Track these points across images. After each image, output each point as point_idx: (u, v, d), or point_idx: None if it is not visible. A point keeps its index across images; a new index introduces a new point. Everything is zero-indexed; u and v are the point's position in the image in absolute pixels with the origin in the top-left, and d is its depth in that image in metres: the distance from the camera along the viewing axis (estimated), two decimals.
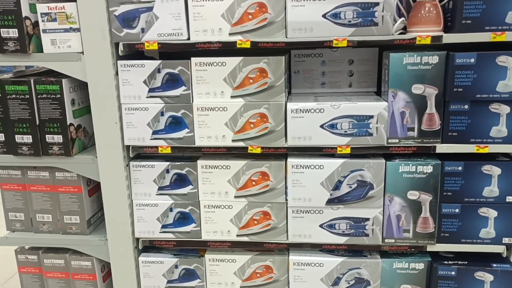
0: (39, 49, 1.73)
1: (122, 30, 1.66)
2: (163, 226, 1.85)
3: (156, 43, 1.65)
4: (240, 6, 1.60)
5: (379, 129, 1.66)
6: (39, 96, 1.74)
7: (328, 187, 1.73)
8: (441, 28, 1.59)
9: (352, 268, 1.79)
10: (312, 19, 1.59)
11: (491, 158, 1.71)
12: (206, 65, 1.68)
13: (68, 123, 1.77)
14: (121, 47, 1.68)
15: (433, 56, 1.59)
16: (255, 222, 1.81)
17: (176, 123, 1.74)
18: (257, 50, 1.66)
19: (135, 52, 1.75)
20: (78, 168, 1.82)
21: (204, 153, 1.83)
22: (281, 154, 1.78)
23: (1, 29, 1.68)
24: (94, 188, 1.94)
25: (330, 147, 1.69)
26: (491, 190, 1.69)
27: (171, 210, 1.83)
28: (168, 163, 1.80)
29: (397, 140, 1.67)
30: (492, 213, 1.70)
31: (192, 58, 1.68)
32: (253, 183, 1.77)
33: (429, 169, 1.68)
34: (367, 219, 1.75)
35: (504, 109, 1.61)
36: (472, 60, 1.57)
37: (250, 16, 1.61)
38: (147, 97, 1.73)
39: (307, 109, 1.67)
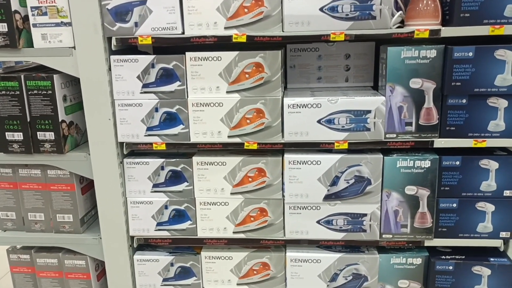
0: (30, 44, 1.69)
1: (115, 24, 1.62)
2: (158, 224, 1.83)
3: (149, 37, 1.62)
4: None
5: (376, 124, 1.65)
6: (29, 92, 1.70)
7: (325, 183, 1.71)
8: (439, 21, 1.58)
9: (349, 264, 1.79)
10: (309, 13, 1.56)
11: (489, 152, 1.71)
12: (201, 60, 1.65)
13: (60, 120, 1.73)
14: (114, 42, 1.64)
15: (431, 50, 1.57)
16: (252, 219, 1.79)
17: (170, 119, 1.71)
18: (252, 44, 1.64)
19: (128, 46, 1.72)
20: (70, 165, 1.79)
21: (199, 150, 1.81)
22: (278, 150, 1.76)
23: None
24: (87, 185, 1.91)
25: (327, 143, 1.68)
26: (489, 185, 1.68)
27: (166, 207, 1.81)
28: (162, 160, 1.77)
29: (394, 135, 1.66)
30: (489, 208, 1.70)
31: (186, 53, 1.65)
32: (250, 179, 1.75)
33: (426, 164, 1.67)
34: (365, 215, 1.74)
35: (502, 103, 1.61)
36: (470, 54, 1.56)
37: (246, 10, 1.58)
38: (141, 92, 1.70)
39: (304, 104, 1.65)
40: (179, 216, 1.82)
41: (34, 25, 1.66)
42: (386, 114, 1.64)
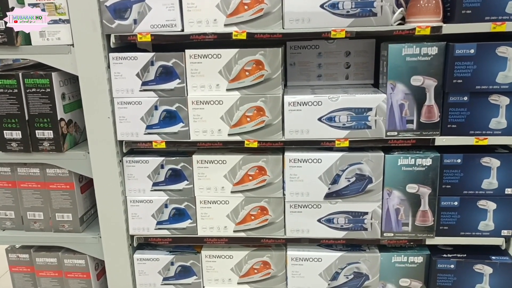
0: (27, 41, 1.67)
1: (114, 21, 1.61)
2: (158, 223, 1.82)
3: (149, 34, 1.60)
4: None
5: (377, 121, 1.64)
6: (28, 90, 1.69)
7: (326, 181, 1.70)
8: (440, 18, 1.57)
9: (350, 262, 1.78)
10: (309, 10, 1.55)
11: (490, 150, 1.70)
12: (201, 57, 1.64)
13: (58, 118, 1.72)
14: (112, 39, 1.63)
15: (432, 47, 1.56)
16: (252, 217, 1.78)
17: (170, 117, 1.70)
18: (252, 41, 1.62)
19: (127, 44, 1.70)
20: (69, 164, 1.78)
21: (199, 148, 1.80)
22: (278, 148, 1.75)
23: None
24: (87, 184, 1.89)
25: (328, 141, 1.67)
26: (490, 183, 1.68)
27: (166, 206, 1.80)
28: (162, 158, 1.76)
29: (396, 133, 1.65)
30: (491, 206, 1.69)
31: (186, 50, 1.64)
32: (250, 178, 1.74)
33: (428, 161, 1.66)
34: (366, 213, 1.73)
35: (503, 101, 1.60)
36: (472, 51, 1.55)
37: (246, 7, 1.57)
38: (140, 90, 1.68)
39: (304, 102, 1.63)
40: (179, 214, 1.81)
41: None
42: (387, 111, 1.63)
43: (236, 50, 1.62)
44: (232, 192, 1.76)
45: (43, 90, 1.68)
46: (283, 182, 1.74)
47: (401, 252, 1.77)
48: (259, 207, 1.77)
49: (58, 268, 1.92)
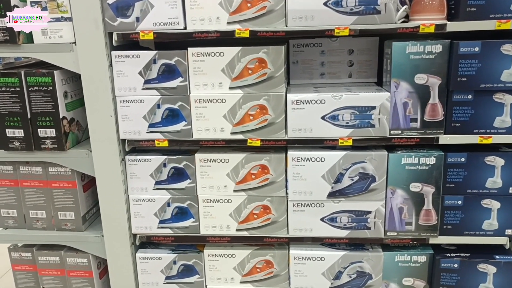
0: (30, 39, 1.67)
1: (116, 19, 1.60)
2: (161, 222, 1.81)
3: (151, 32, 1.60)
4: None
5: (381, 120, 1.63)
6: (30, 89, 1.68)
7: (329, 180, 1.69)
8: (444, 16, 1.56)
9: (353, 261, 1.77)
10: (313, 7, 1.54)
11: (494, 149, 1.69)
12: (204, 56, 1.63)
13: (61, 117, 1.71)
14: (115, 37, 1.62)
15: (436, 45, 1.55)
16: (255, 216, 1.77)
17: (173, 116, 1.69)
18: (255, 39, 1.61)
19: (129, 42, 1.70)
20: (72, 162, 1.77)
21: (202, 146, 1.79)
22: (281, 146, 1.75)
23: None
24: (89, 183, 1.89)
25: (331, 139, 1.66)
26: (494, 182, 1.67)
27: (168, 205, 1.79)
28: (165, 156, 1.76)
29: (399, 132, 1.64)
30: (495, 205, 1.68)
31: (189, 48, 1.63)
32: (253, 176, 1.73)
33: (431, 160, 1.65)
34: (369, 212, 1.72)
35: (508, 99, 1.59)
36: (477, 49, 1.53)
37: (248, 4, 1.56)
38: (142, 89, 1.68)
39: (307, 100, 1.63)
40: (182, 213, 1.80)
41: None
42: (391, 110, 1.62)
43: (239, 48, 1.61)
44: (234, 191, 1.75)
45: (45, 89, 1.68)
46: (286, 181, 1.73)
47: (404, 251, 1.77)
48: (262, 206, 1.76)
49: (61, 267, 1.92)
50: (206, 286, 1.89)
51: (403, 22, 1.59)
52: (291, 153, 1.69)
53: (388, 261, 1.77)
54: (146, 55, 1.64)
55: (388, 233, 1.74)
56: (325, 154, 1.68)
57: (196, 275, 1.87)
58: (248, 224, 1.78)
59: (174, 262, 1.85)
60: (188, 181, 1.77)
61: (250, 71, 1.63)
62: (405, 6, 1.58)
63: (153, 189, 1.79)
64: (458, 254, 1.74)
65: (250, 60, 1.61)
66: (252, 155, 1.72)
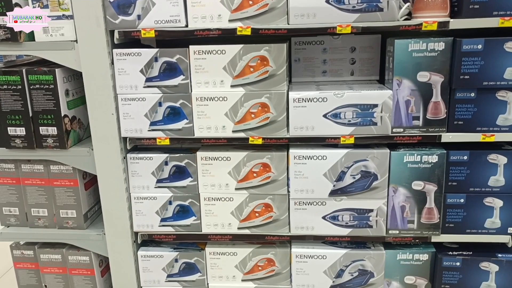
0: (31, 37, 1.66)
1: (118, 17, 1.60)
2: (162, 220, 1.81)
3: (153, 30, 1.59)
4: None
5: (383, 118, 1.62)
6: (31, 87, 1.68)
7: (331, 178, 1.69)
8: (447, 13, 1.55)
9: (355, 260, 1.77)
10: (315, 4, 1.53)
11: (497, 147, 1.68)
12: (205, 53, 1.62)
13: (62, 115, 1.71)
14: (116, 35, 1.61)
15: (439, 43, 1.54)
16: (257, 214, 1.77)
17: (174, 114, 1.69)
18: (257, 37, 1.61)
19: (131, 40, 1.69)
20: (73, 161, 1.77)
21: (203, 145, 1.79)
22: (283, 144, 1.74)
23: None
24: (91, 181, 1.89)
25: (333, 137, 1.65)
26: (497, 180, 1.66)
27: (170, 203, 1.79)
28: (166, 155, 1.75)
29: (401, 130, 1.64)
30: (497, 203, 1.68)
31: (190, 46, 1.63)
32: (254, 174, 1.73)
33: (434, 158, 1.64)
34: (371, 211, 1.71)
35: (511, 97, 1.58)
36: (480, 46, 1.53)
37: (250, 2, 1.55)
38: (144, 87, 1.67)
39: (309, 98, 1.62)
40: (183, 211, 1.80)
41: None
42: (393, 108, 1.61)
43: (240, 46, 1.60)
44: (236, 189, 1.75)
45: (47, 87, 1.68)
46: (288, 179, 1.73)
47: (406, 250, 1.76)
48: (264, 204, 1.76)
49: (63, 265, 1.92)
50: (207, 284, 1.89)
51: (405, 19, 1.58)
52: (293, 151, 1.69)
53: (390, 260, 1.76)
54: (148, 53, 1.64)
55: (390, 232, 1.74)
56: (327, 152, 1.67)
57: (198, 273, 1.87)
58: (249, 222, 1.78)
59: (176, 260, 1.85)
60: (190, 179, 1.76)
61: (251, 69, 1.62)
62: (408, 4, 1.57)
63: (155, 187, 1.78)
64: (460, 252, 1.74)
65: (252, 58, 1.61)
66: (253, 153, 1.71)
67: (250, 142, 1.68)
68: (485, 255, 1.72)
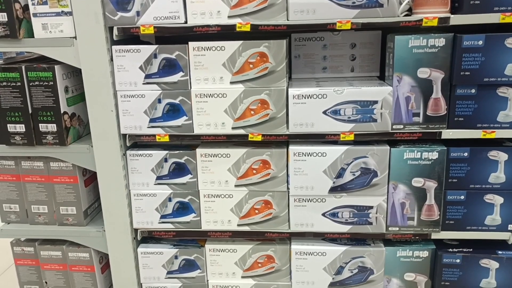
0: (30, 34, 1.66)
1: (116, 13, 1.59)
2: (162, 216, 1.81)
3: (152, 27, 1.59)
4: None
5: (383, 114, 1.61)
6: (31, 84, 1.68)
7: (331, 175, 1.68)
8: (448, 9, 1.54)
9: (355, 256, 1.76)
10: (314, 0, 1.52)
11: (498, 143, 1.67)
12: (204, 50, 1.62)
13: (62, 111, 1.71)
14: (115, 32, 1.61)
15: (439, 39, 1.53)
16: (256, 211, 1.77)
17: (174, 111, 1.68)
18: (256, 33, 1.60)
19: (130, 36, 1.69)
20: (73, 157, 1.77)
21: (203, 141, 1.78)
22: (283, 141, 1.74)
23: None
24: (90, 178, 1.89)
25: (333, 134, 1.65)
26: (497, 176, 1.65)
27: (170, 200, 1.79)
28: (166, 151, 1.75)
29: (402, 126, 1.63)
30: (498, 200, 1.67)
31: (189, 43, 1.62)
32: (254, 171, 1.72)
33: (434, 155, 1.64)
34: (371, 207, 1.71)
35: None
36: (480, 42, 1.52)
37: None
38: (143, 83, 1.67)
39: (309, 95, 1.62)
40: (183, 208, 1.80)
41: (35, 15, 1.63)
42: (393, 104, 1.61)
43: (240, 42, 1.60)
44: (236, 186, 1.75)
45: (46, 83, 1.67)
46: (288, 175, 1.72)
47: (406, 247, 1.76)
48: (263, 201, 1.75)
49: (63, 261, 1.92)
50: (207, 280, 1.89)
51: (406, 15, 1.57)
52: (293, 148, 1.68)
53: (390, 256, 1.76)
54: (147, 50, 1.63)
55: (390, 228, 1.73)
56: (327, 149, 1.67)
57: (198, 270, 1.87)
58: (249, 219, 1.78)
59: (176, 257, 1.85)
60: (189, 176, 1.76)
61: (251, 66, 1.61)
62: None
63: (154, 184, 1.78)
64: (461, 249, 1.74)
65: (251, 55, 1.60)
66: (253, 150, 1.71)
67: (249, 139, 1.68)
68: (486, 252, 1.72)
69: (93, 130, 1.71)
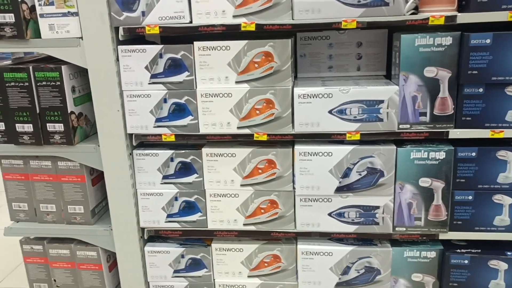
0: (37, 34, 1.68)
1: (122, 13, 1.60)
2: (169, 216, 1.82)
3: (157, 27, 1.59)
4: None
5: (389, 114, 1.60)
6: (38, 84, 1.70)
7: (337, 174, 1.68)
8: (455, 7, 1.52)
9: (362, 257, 1.75)
10: None
11: (506, 143, 1.65)
12: (210, 50, 1.62)
13: (69, 111, 1.73)
14: (121, 32, 1.62)
15: (446, 37, 1.52)
16: (262, 211, 1.77)
17: (179, 110, 1.69)
18: (262, 33, 1.60)
19: (136, 36, 1.70)
20: (80, 157, 1.79)
21: (208, 141, 1.79)
22: (288, 141, 1.73)
23: None
24: (98, 177, 1.91)
25: (339, 133, 1.64)
26: (506, 176, 1.63)
27: (176, 199, 1.80)
28: (172, 151, 1.76)
29: (408, 126, 1.61)
30: (507, 200, 1.65)
31: (195, 42, 1.62)
32: (260, 171, 1.72)
33: (441, 155, 1.62)
34: (377, 207, 1.70)
35: None
36: (488, 41, 1.50)
37: None
38: (149, 83, 1.68)
39: (315, 94, 1.61)
40: (189, 208, 1.81)
41: (41, 16, 1.65)
42: (400, 104, 1.59)
43: (245, 41, 1.60)
44: (241, 185, 1.75)
45: (54, 83, 1.69)
46: (293, 175, 1.72)
47: (414, 247, 1.74)
48: (269, 201, 1.75)
49: (71, 260, 1.94)
50: (214, 280, 1.89)
51: (412, 14, 1.55)
52: (298, 148, 1.68)
53: (397, 257, 1.75)
54: (152, 50, 1.64)
55: (396, 229, 1.72)
56: (333, 149, 1.66)
57: (204, 269, 1.87)
58: (255, 218, 1.78)
59: (182, 256, 1.86)
60: (195, 175, 1.77)
61: (256, 65, 1.61)
62: None
63: (161, 183, 1.79)
64: (469, 250, 1.72)
65: (257, 54, 1.60)
66: (259, 150, 1.71)
67: (255, 139, 1.68)
68: (494, 253, 1.70)
69: (100, 129, 1.72)
